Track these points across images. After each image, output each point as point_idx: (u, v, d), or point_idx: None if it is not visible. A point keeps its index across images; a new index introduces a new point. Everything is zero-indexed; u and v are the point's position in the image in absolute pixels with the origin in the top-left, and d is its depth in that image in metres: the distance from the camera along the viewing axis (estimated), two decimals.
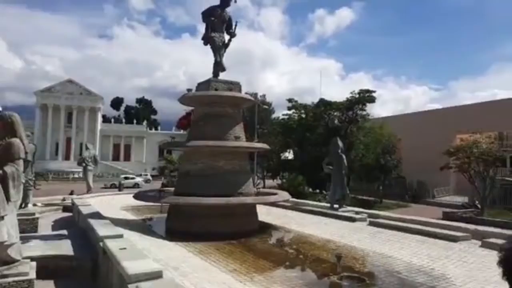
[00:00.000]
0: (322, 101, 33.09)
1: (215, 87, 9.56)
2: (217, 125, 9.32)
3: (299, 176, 29.43)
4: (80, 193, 19.51)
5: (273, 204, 10.65)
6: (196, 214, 8.65)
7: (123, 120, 76.74)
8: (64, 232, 8.96)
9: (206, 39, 10.05)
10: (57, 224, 11.26)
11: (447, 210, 27.95)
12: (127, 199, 16.12)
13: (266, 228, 9.47)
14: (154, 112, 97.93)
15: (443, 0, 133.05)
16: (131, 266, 4.35)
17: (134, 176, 47.40)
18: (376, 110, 39.08)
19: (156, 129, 76.26)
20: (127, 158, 68.09)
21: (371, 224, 8.80)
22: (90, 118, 64.21)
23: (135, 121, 73.24)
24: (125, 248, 5.44)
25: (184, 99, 9.82)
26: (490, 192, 25.46)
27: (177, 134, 71.74)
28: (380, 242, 7.48)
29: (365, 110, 32.48)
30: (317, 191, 32.72)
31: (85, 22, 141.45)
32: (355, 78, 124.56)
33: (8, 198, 4.85)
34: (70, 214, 13.26)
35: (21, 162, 5.09)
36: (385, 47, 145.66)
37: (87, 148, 17.10)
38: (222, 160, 9.15)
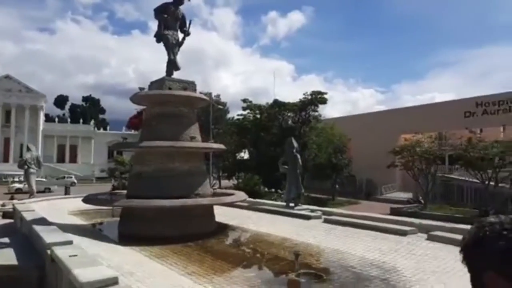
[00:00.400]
0: (276, 102, 33.56)
1: (169, 86, 9.34)
2: (171, 125, 9.11)
3: (255, 176, 29.64)
4: (20, 198, 18.25)
5: (230, 204, 10.62)
6: (150, 217, 8.39)
7: (69, 120, 72.64)
8: (6, 240, 8.32)
9: (159, 37, 9.80)
10: None
11: (394, 206, 29.58)
12: (75, 203, 15.36)
13: (224, 229, 9.42)
14: (102, 111, 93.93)
15: (387, 9, 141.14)
16: (84, 274, 4.12)
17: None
18: (327, 111, 40.20)
19: (104, 129, 73.08)
20: (73, 159, 64.60)
21: (326, 221, 9.06)
22: (31, 117, 60.04)
23: (81, 121, 69.64)
24: (75, 255, 5.15)
25: (136, 98, 9.49)
26: (432, 188, 27.26)
27: (128, 134, 69.32)
28: (334, 238, 7.72)
29: (317, 111, 33.40)
30: (273, 190, 33.15)
31: (25, 14, 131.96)
32: (306, 80, 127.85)
33: None
34: (11, 220, 12.34)
35: None
36: (334, 50, 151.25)
37: (28, 149, 15.95)
38: (177, 161, 8.96)
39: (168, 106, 9.16)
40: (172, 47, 9.75)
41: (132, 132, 69.97)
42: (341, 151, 34.67)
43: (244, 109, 36.26)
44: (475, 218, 20.45)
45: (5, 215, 13.21)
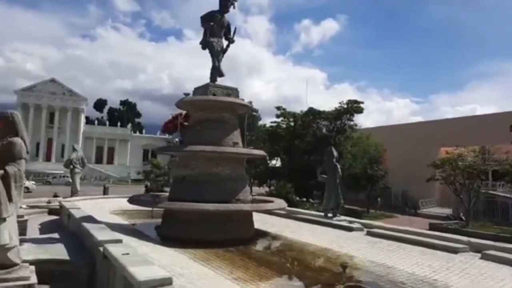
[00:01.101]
0: (311, 110, 33.35)
1: (213, 92, 9.48)
2: (214, 130, 9.23)
3: (287, 184, 29.45)
4: (63, 195, 19.03)
5: (269, 211, 10.60)
6: (192, 220, 8.49)
7: (107, 122, 75.42)
8: (55, 235, 8.67)
9: (205, 44, 9.99)
10: (45, 228, 10.89)
11: (433, 221, 28.46)
12: (115, 202, 15.85)
13: (262, 236, 9.38)
14: (138, 115, 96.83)
15: (424, 17, 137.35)
16: (139, 272, 4.20)
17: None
18: (361, 121, 39.29)
19: (140, 132, 75.29)
20: (110, 161, 66.94)
21: (369, 234, 8.81)
22: (73, 119, 62.95)
23: (119, 124, 72.10)
24: (128, 254, 5.28)
25: (181, 104, 9.69)
26: (474, 205, 26.00)
27: (162, 138, 71.08)
28: (379, 252, 7.48)
29: (353, 120, 32.89)
30: (304, 199, 32.80)
31: (68, 21, 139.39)
32: (339, 89, 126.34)
33: (9, 199, 4.66)
34: (57, 217, 12.88)
35: (23, 162, 4.90)
36: (368, 59, 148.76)
37: (74, 150, 16.69)
38: (219, 166, 9.05)
39: (212, 112, 9.29)
40: (217, 54, 9.91)
41: (167, 136, 71.75)
42: (377, 162, 33.85)
43: (277, 116, 36.28)
44: None
45: (51, 212, 13.83)
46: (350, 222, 11.24)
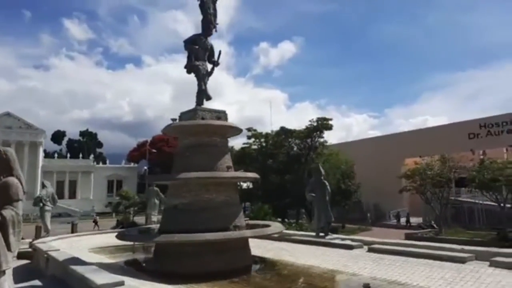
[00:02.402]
0: (283, 129, 33.62)
1: (202, 116, 9.22)
2: (206, 155, 8.92)
3: (265, 206, 29.12)
4: (28, 236, 17.64)
5: (260, 236, 10.29)
6: (188, 252, 8.02)
7: (67, 155, 72.03)
8: (37, 282, 7.90)
9: (190, 68, 9.79)
10: (17, 274, 9.83)
11: (408, 231, 29.10)
12: (89, 239, 14.89)
13: (262, 263, 9.03)
14: (100, 145, 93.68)
15: (375, 36, 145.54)
16: None
17: None
18: (326, 137, 39.40)
19: (103, 163, 72.41)
20: (72, 195, 63.56)
21: (370, 250, 8.71)
22: (31, 153, 59.49)
23: (80, 155, 69.06)
24: None
25: (169, 129, 9.33)
26: (442, 212, 26.92)
27: (128, 167, 68.82)
28: (387, 268, 7.38)
29: (323, 137, 33.49)
30: (279, 220, 32.56)
31: (19, 52, 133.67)
32: (300, 108, 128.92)
33: (8, 248, 4.12)
34: (27, 261, 11.80)
35: (20, 204, 4.39)
36: (325, 78, 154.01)
37: (44, 186, 15.50)
38: (214, 192, 8.69)
39: (203, 136, 9.00)
40: (203, 78, 9.72)
41: (132, 165, 69.52)
42: (349, 177, 34.49)
43: (249, 137, 36.28)
44: (496, 240, 20.03)
45: (19, 256, 12.63)
46: (343, 239, 11.16)
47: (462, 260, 7.03)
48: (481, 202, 31.97)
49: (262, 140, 35.12)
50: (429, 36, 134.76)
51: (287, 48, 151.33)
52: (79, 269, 6.93)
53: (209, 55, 10.15)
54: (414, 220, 37.92)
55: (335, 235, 11.98)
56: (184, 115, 9.56)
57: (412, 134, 45.00)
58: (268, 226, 9.22)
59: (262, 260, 9.27)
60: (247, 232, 8.23)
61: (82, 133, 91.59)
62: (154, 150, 45.05)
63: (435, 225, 29.11)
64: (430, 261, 7.36)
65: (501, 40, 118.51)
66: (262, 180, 37.23)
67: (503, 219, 23.53)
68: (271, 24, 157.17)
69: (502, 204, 23.07)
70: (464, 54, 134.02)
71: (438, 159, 27.06)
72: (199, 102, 9.67)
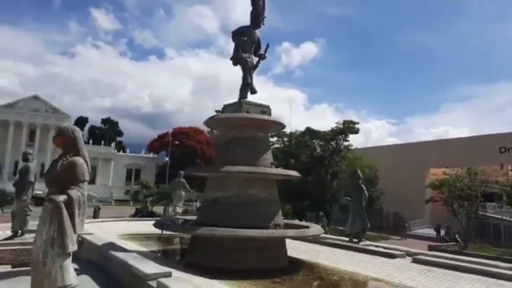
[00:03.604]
0: (308, 130, 33.21)
1: (247, 110, 9.00)
2: (249, 149, 8.69)
3: (286, 206, 28.83)
4: None
5: (309, 238, 10.04)
6: (227, 247, 7.82)
7: (89, 141, 73.30)
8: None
9: (237, 60, 9.56)
10: None
11: (430, 243, 28.31)
12: (116, 226, 14.95)
13: (298, 264, 8.73)
14: (120, 133, 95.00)
15: (398, 42, 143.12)
16: None
17: None
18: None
19: (124, 151, 73.36)
20: (92, 181, 64.48)
21: (415, 261, 8.34)
22: None
23: (102, 143, 70.11)
24: None
25: (213, 121, 9.14)
26: (472, 226, 26.08)
27: (148, 157, 69.52)
28: (438, 282, 6.98)
29: (348, 141, 32.94)
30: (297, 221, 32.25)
31: (48, 38, 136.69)
32: (318, 109, 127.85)
33: (73, 230, 3.98)
34: None
35: (85, 185, 4.26)
36: (345, 81, 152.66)
37: None
38: (255, 188, 8.46)
39: (248, 130, 8.78)
40: (249, 70, 9.49)
41: (151, 155, 70.18)
42: (372, 183, 33.81)
43: (272, 136, 36.02)
44: None
45: None
46: (377, 247, 10.81)
47: None
48: (508, 218, 30.93)
49: (286, 139, 34.78)
50: (454, 46, 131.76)
51: (309, 49, 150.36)
52: (120, 255, 6.82)
53: (256, 47, 9.92)
54: (432, 232, 36.96)
55: (368, 242, 11.63)
56: (227, 108, 9.35)
57: (437, 143, 43.88)
58: (307, 227, 8.93)
59: (298, 262, 8.99)
60: (290, 232, 7.96)
61: (104, 121, 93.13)
62: (177, 142, 45.27)
63: (459, 239, 28.26)
64: (485, 278, 6.95)
65: None
66: (283, 179, 37.02)
67: None
68: (295, 24, 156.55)
69: None
70: (490, 66, 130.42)
71: (470, 172, 26.17)
72: (243, 95, 9.45)
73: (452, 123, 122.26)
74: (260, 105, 9.24)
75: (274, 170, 8.50)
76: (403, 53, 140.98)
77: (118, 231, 13.03)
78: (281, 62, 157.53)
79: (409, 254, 9.02)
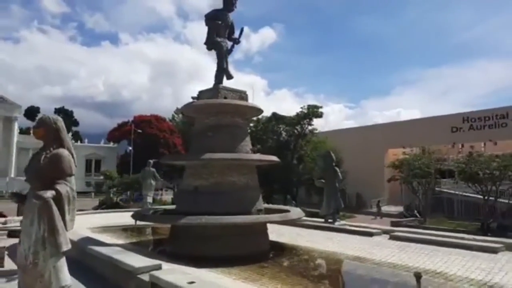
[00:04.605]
0: (274, 115, 33.34)
1: (225, 95, 8.81)
2: (229, 136, 8.55)
3: None
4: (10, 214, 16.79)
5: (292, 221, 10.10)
6: (211, 235, 7.73)
7: None
8: None
9: (212, 44, 9.27)
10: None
11: (391, 219, 29.76)
12: (85, 219, 14.33)
13: (279, 248, 8.83)
14: (76, 123, 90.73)
15: (354, 28, 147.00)
16: None
17: None
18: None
19: (81, 141, 70.16)
20: None
21: (392, 238, 8.68)
22: (5, 129, 56.85)
23: None
24: (193, 282, 4.50)
25: (190, 108, 8.86)
26: (429, 202, 27.65)
27: (108, 147, 67.01)
28: (417, 257, 7.32)
29: (312, 125, 33.48)
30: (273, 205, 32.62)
31: None
32: (279, 95, 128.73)
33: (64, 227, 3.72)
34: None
35: (73, 179, 3.97)
36: (304, 66, 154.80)
37: None
38: (236, 175, 8.37)
39: (227, 116, 8.60)
40: (226, 55, 9.25)
41: (111, 145, 67.64)
42: (338, 165, 34.65)
43: None
44: (480, 230, 20.66)
45: (11, 234, 11.98)
46: (352, 226, 11.14)
47: (494, 251, 7.06)
48: (460, 193, 33.03)
49: (252, 125, 34.75)
50: (404, 32, 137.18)
51: (268, 35, 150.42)
52: (102, 250, 6.53)
53: (229, 31, 9.66)
54: (394, 209, 38.90)
55: (343, 222, 11.97)
56: (204, 94, 9.09)
57: (395, 125, 45.73)
58: (288, 211, 9.01)
59: (279, 245, 9.08)
60: (275, 217, 7.98)
61: (57, 110, 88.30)
62: (139, 130, 43.85)
63: (417, 214, 29.92)
64: (461, 251, 7.36)
65: (472, 38, 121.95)
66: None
67: (486, 211, 24.34)
68: (252, 10, 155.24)
69: (486, 197, 23.80)
70: (436, 51, 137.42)
71: (428, 151, 27.58)
72: (219, 80, 9.21)
73: (404, 105, 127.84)
74: (237, 91, 9.07)
75: (256, 156, 8.46)
76: (359, 37, 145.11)
77: (88, 224, 12.49)
78: (240, 48, 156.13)
79: (385, 231, 9.36)
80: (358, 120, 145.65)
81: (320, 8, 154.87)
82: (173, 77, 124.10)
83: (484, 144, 38.93)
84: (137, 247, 8.88)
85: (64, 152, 3.92)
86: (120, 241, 9.60)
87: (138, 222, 10.43)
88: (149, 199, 16.88)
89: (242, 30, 9.65)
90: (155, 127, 54.71)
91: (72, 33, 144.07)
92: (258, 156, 8.61)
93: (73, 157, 4.03)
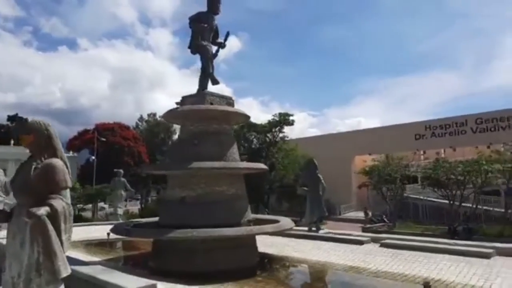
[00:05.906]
0: (246, 123, 33.03)
1: (211, 101, 8.44)
2: (216, 144, 8.17)
3: None
4: None
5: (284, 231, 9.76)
6: (199, 249, 7.30)
7: None
8: None
9: (196, 48, 8.88)
10: None
11: (360, 225, 30.22)
12: None
13: (268, 259, 8.51)
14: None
15: (318, 38, 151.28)
16: None
17: None
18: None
19: None
20: (3, 187, 57.29)
21: (383, 245, 8.59)
22: None
23: (12, 142, 62.36)
24: None
25: (174, 114, 8.37)
26: (396, 207, 28.36)
27: (67, 156, 63.64)
28: (412, 265, 7.24)
29: (283, 132, 33.53)
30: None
31: None
32: (245, 103, 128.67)
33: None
34: None
35: (68, 193, 3.48)
36: (269, 75, 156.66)
37: None
38: (224, 184, 7.99)
39: (212, 123, 8.22)
40: (211, 60, 8.90)
41: (71, 154, 64.34)
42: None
43: None
44: (446, 234, 21.34)
45: None
46: (335, 234, 11.03)
47: (486, 256, 7.12)
48: (425, 198, 34.20)
49: None
50: (363, 41, 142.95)
51: (233, 43, 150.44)
52: (82, 269, 5.89)
53: (214, 35, 9.33)
54: (360, 214, 39.62)
55: (326, 230, 11.83)
56: (188, 100, 8.65)
57: (361, 133, 46.83)
58: (277, 221, 8.70)
59: (269, 257, 8.75)
60: (268, 227, 7.65)
61: (10, 118, 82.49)
62: (103, 139, 42.00)
63: (385, 219, 30.61)
64: (454, 257, 7.37)
65: (428, 49, 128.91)
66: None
67: (452, 215, 25.26)
68: (219, 18, 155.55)
69: (451, 201, 24.72)
70: (394, 61, 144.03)
71: (397, 158, 28.33)
72: (203, 86, 8.84)
73: (364, 115, 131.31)
74: (224, 97, 8.73)
75: (245, 165, 8.15)
76: (322, 47, 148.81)
77: None
78: None
79: (374, 239, 9.29)
80: (321, 128, 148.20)
81: (283, 17, 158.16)
82: (135, 84, 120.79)
83: (444, 150, 40.81)
84: (117, 264, 8.27)
85: (58, 162, 3.43)
86: (96, 258, 8.88)
87: (111, 236, 9.75)
88: (120, 211, 16.04)
89: (228, 34, 9.34)
90: (118, 135, 52.68)
91: (27, 37, 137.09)
92: (248, 164, 8.30)
93: (67, 167, 3.54)
